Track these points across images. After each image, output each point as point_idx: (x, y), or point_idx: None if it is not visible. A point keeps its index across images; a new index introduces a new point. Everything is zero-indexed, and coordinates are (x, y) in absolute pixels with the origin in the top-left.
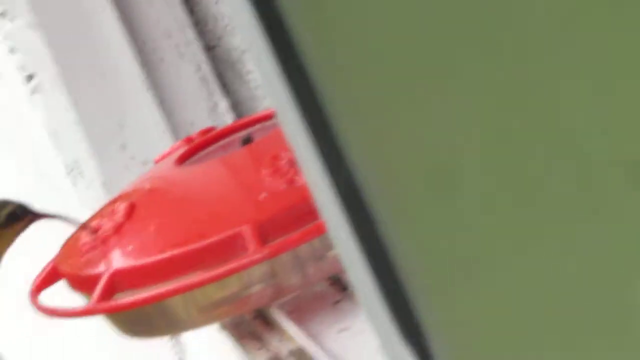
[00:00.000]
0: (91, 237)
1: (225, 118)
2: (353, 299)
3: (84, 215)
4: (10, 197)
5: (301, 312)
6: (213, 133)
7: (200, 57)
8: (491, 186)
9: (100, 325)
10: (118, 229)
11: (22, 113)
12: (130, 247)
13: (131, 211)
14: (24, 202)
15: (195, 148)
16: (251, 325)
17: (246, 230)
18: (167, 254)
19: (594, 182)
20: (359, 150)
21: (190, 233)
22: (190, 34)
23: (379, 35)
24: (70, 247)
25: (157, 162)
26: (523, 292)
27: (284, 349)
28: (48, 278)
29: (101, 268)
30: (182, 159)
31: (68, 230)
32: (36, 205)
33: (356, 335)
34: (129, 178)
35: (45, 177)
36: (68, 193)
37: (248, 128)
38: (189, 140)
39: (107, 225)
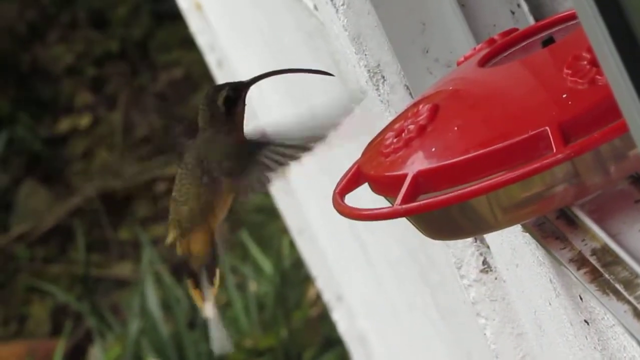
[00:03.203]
0: (395, 140)
1: (527, 19)
2: None
3: (387, 119)
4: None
5: (603, 211)
6: (515, 34)
7: None
8: None
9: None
10: (421, 131)
11: (325, 20)
12: (433, 149)
13: (435, 113)
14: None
15: (498, 49)
16: (554, 226)
17: (549, 130)
18: (471, 155)
19: None
20: None
21: (493, 133)
22: None
23: None
24: (373, 149)
25: (459, 64)
26: None
27: (586, 248)
28: (352, 180)
29: (405, 170)
30: (485, 61)
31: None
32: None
33: None
34: (432, 81)
35: (348, 82)
36: (371, 97)
37: (549, 29)
38: (491, 42)
39: (410, 127)
